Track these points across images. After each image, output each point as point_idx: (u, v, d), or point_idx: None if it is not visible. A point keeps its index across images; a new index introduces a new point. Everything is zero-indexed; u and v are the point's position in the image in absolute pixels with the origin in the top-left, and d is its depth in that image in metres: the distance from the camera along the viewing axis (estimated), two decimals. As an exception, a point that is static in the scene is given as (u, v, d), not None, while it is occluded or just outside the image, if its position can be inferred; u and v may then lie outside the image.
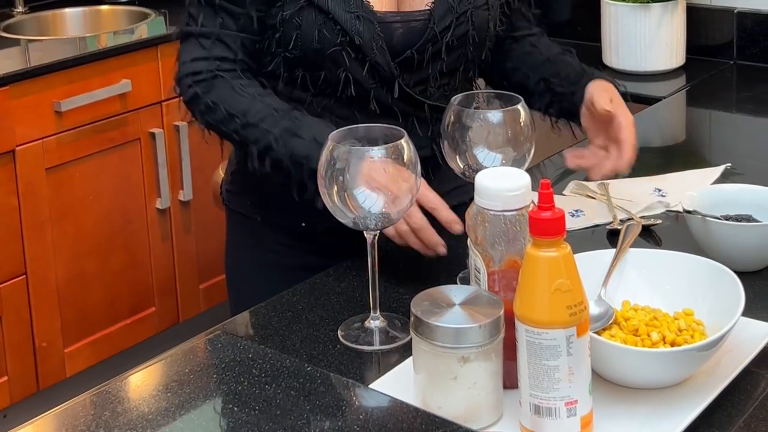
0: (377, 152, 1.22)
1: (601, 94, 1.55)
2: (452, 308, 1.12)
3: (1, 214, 2.58)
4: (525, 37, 1.68)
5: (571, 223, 1.57)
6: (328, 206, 1.25)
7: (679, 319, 1.24)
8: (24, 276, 2.66)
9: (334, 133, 1.25)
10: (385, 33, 1.48)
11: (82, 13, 3.24)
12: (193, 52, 1.50)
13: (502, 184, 1.15)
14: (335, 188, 1.23)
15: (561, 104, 1.61)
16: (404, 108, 1.53)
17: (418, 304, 1.13)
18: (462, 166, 1.35)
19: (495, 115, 1.33)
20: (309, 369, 1.11)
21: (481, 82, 1.72)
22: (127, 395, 1.08)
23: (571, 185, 1.71)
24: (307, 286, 1.45)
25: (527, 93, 1.57)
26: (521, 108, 1.33)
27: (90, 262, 2.80)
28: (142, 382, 1.12)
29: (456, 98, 1.33)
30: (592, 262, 1.28)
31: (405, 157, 1.23)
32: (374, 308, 1.32)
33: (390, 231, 1.40)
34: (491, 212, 1.15)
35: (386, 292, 1.42)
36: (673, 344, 1.20)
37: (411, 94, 1.52)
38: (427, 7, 1.51)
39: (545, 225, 1.06)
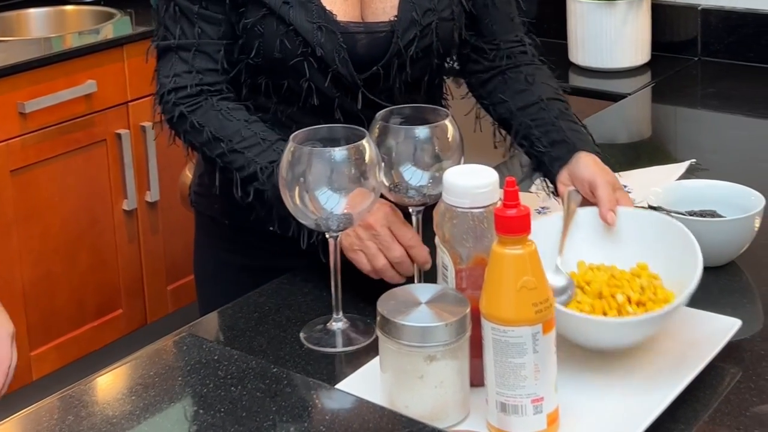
0: (339, 153, 1.22)
1: (605, 184, 1.36)
2: (418, 307, 1.12)
3: None
4: (523, 69, 1.58)
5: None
6: (289, 208, 1.24)
7: (638, 276, 1.26)
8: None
9: (296, 134, 1.25)
10: (347, 44, 1.46)
11: (46, 13, 3.21)
12: (174, 67, 1.46)
13: (469, 181, 1.15)
14: (297, 189, 1.23)
15: (538, 160, 1.50)
16: (370, 115, 1.49)
17: (384, 303, 1.13)
18: (387, 183, 1.30)
19: (422, 131, 1.29)
20: (275, 370, 1.10)
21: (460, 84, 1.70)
22: (92, 399, 1.07)
23: (538, 182, 1.70)
24: (274, 287, 1.45)
25: (509, 128, 1.55)
26: (449, 123, 1.29)
27: (56, 263, 2.77)
28: (106, 386, 1.11)
29: (380, 114, 1.29)
30: (539, 229, 1.24)
31: (367, 157, 1.23)
32: (336, 310, 1.32)
33: (365, 267, 1.35)
34: (459, 209, 1.15)
35: (352, 292, 1.41)
36: (639, 304, 1.23)
37: (376, 101, 1.49)
38: (391, 20, 1.48)
39: (511, 222, 1.06)
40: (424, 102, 1.52)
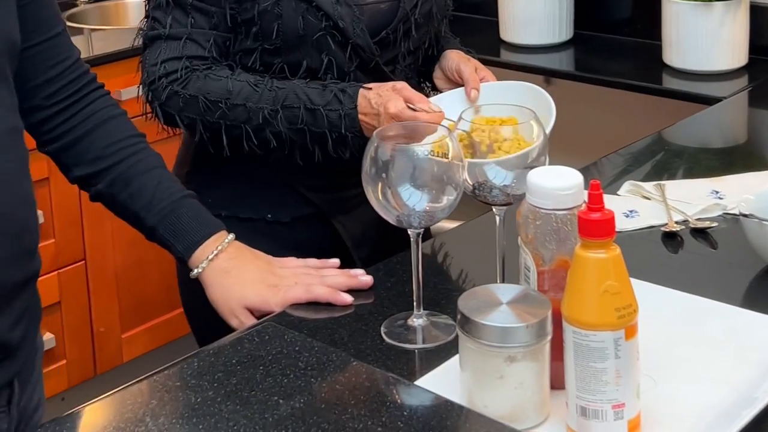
0: (422, 150, 1.23)
1: (466, 63, 1.61)
2: (499, 307, 1.12)
3: (63, 201, 2.62)
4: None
5: (625, 224, 1.55)
6: (372, 203, 1.25)
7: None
8: (83, 262, 2.70)
9: (380, 129, 1.26)
10: (362, 15, 1.54)
11: (143, 3, 3.27)
12: (162, 54, 1.51)
13: (553, 182, 1.14)
14: (380, 185, 1.24)
15: (425, 75, 1.69)
16: None
17: (465, 302, 1.13)
18: (471, 182, 1.29)
19: (507, 130, 1.30)
20: (354, 363, 1.11)
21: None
22: (175, 384, 1.10)
23: (626, 185, 1.69)
24: (353, 282, 1.45)
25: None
26: (534, 123, 1.28)
27: (147, 249, 2.80)
28: (189, 372, 1.13)
29: (377, 132, 1.27)
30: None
31: (450, 154, 1.23)
32: (418, 306, 1.32)
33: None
34: (542, 210, 1.15)
35: (435, 288, 1.42)
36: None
37: (386, 73, 1.57)
38: None
39: (594, 226, 1.05)
40: (418, 75, 1.65)
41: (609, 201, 1.59)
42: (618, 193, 1.67)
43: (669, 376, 1.19)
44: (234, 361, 1.12)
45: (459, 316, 1.11)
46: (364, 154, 1.25)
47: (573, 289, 1.07)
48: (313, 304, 1.38)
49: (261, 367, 1.10)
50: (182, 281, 1.71)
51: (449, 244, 1.56)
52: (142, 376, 1.13)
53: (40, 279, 2.63)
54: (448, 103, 1.55)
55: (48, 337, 2.66)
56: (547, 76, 2.41)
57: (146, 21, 1.56)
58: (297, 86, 1.48)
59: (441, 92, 1.67)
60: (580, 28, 2.71)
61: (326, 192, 1.60)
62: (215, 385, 1.08)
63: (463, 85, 1.61)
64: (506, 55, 2.52)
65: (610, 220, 1.06)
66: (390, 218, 1.26)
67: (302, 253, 1.61)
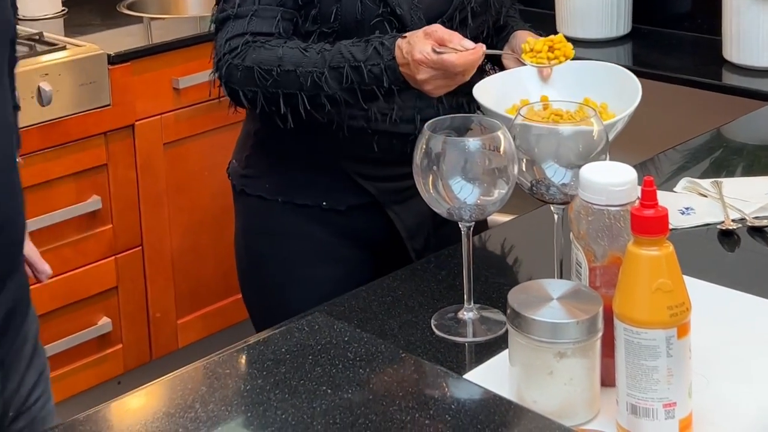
0: (473, 143, 1.22)
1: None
2: (550, 302, 1.11)
3: (120, 187, 2.65)
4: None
5: (680, 221, 1.54)
6: (422, 195, 1.25)
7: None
8: (140, 247, 2.73)
9: (431, 122, 1.26)
10: (419, 3, 1.53)
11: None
12: (229, 32, 1.52)
13: (606, 178, 1.13)
14: (431, 177, 1.23)
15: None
16: None
17: (515, 296, 1.12)
18: (529, 180, 1.29)
19: (566, 129, 1.28)
20: (403, 355, 1.11)
21: None
22: (224, 372, 1.10)
23: (683, 182, 1.67)
24: (408, 273, 1.46)
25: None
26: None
27: (204, 236, 2.85)
28: (239, 360, 1.14)
29: (428, 124, 1.27)
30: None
31: (501, 149, 1.23)
32: (468, 299, 1.32)
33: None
34: (595, 206, 1.14)
35: (486, 282, 1.41)
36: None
37: None
38: None
39: (648, 223, 1.04)
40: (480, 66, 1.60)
41: (665, 198, 1.59)
42: (674, 189, 1.65)
43: (722, 375, 1.18)
44: (283, 350, 1.12)
45: (509, 311, 1.11)
46: (416, 146, 1.25)
47: (625, 287, 1.06)
48: (363, 296, 1.38)
49: (310, 357, 1.11)
50: (241, 267, 1.72)
51: (503, 238, 1.56)
52: (193, 363, 1.14)
53: (98, 263, 2.67)
54: (519, 80, 1.55)
55: (104, 322, 2.69)
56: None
57: (217, 5, 1.57)
58: (342, 45, 1.47)
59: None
60: (638, 23, 2.68)
61: (382, 181, 1.60)
62: (264, 373, 1.09)
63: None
64: None
65: (663, 217, 1.05)
66: (441, 211, 1.26)
67: (357, 242, 1.62)
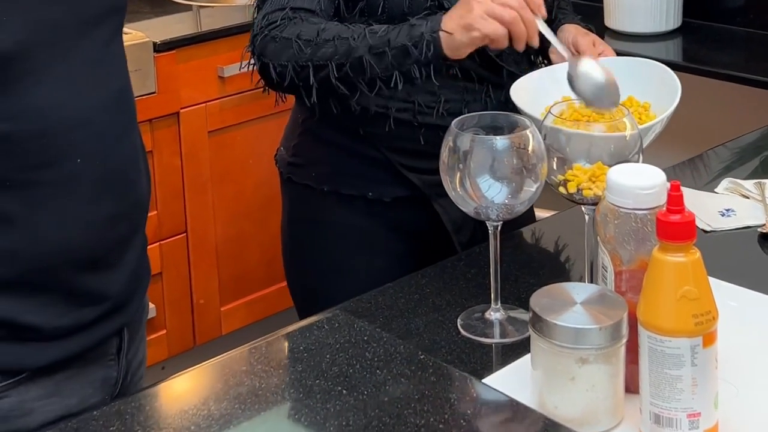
0: (501, 141, 1.20)
1: (584, 36, 1.58)
2: (573, 307, 1.08)
3: (165, 174, 2.66)
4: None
5: (720, 223, 1.50)
6: (449, 194, 1.23)
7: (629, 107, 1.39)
8: (185, 234, 2.74)
9: (458, 120, 1.24)
10: None
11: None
12: (269, 7, 1.50)
13: (634, 180, 1.10)
14: (458, 175, 1.21)
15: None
16: (482, 73, 1.54)
17: (538, 300, 1.10)
18: (560, 179, 1.26)
19: (597, 128, 1.25)
20: (422, 357, 1.09)
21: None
22: (241, 369, 1.09)
23: (725, 182, 1.62)
24: (437, 270, 1.43)
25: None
26: (627, 121, 1.24)
27: (248, 223, 2.85)
28: (257, 357, 1.13)
29: (456, 122, 1.25)
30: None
31: (530, 147, 1.20)
32: (495, 300, 1.29)
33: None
34: (621, 210, 1.11)
35: (516, 282, 1.39)
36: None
37: (492, 57, 1.53)
38: None
39: (673, 228, 1.01)
40: (529, 58, 1.58)
41: (705, 198, 1.55)
42: (716, 190, 1.61)
43: (753, 384, 1.14)
44: (302, 347, 1.11)
45: (531, 314, 1.09)
46: (443, 144, 1.23)
47: (649, 293, 1.03)
48: (390, 292, 1.37)
49: (327, 356, 1.10)
50: (286, 254, 1.72)
51: (536, 236, 1.53)
52: (210, 360, 1.13)
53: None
54: (563, 75, 1.51)
55: (151, 306, 2.71)
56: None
57: None
58: (387, 26, 1.45)
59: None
60: (689, 17, 2.61)
61: (428, 174, 1.57)
62: (280, 371, 1.08)
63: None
64: (610, 44, 2.42)
65: (690, 223, 1.01)
66: (468, 210, 1.24)
67: (401, 233, 1.60)
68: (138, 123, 1.35)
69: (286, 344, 1.12)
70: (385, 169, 1.59)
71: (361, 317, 1.31)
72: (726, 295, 1.27)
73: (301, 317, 1.69)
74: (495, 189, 1.22)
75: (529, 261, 1.44)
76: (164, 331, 2.76)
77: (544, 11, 1.42)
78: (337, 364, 1.08)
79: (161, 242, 2.70)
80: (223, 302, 2.86)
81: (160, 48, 2.57)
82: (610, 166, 1.26)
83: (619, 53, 2.37)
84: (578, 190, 1.26)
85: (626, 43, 2.43)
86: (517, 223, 1.55)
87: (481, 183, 1.22)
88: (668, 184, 1.03)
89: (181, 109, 2.64)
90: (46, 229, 1.17)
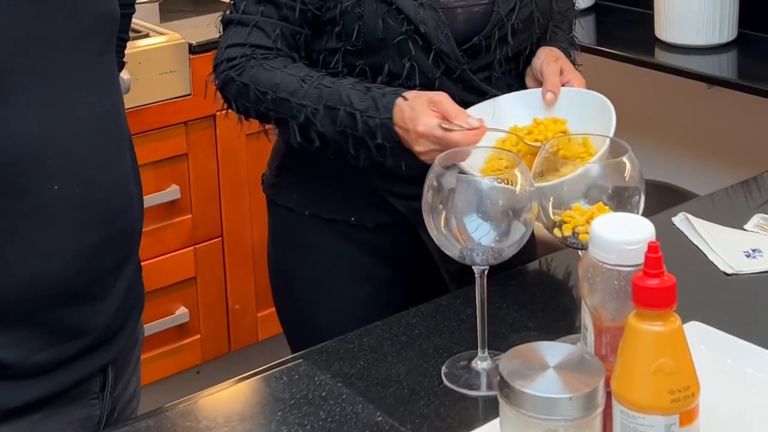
0: (486, 182, 1.11)
1: (550, 63, 1.46)
2: (545, 371, 0.99)
3: (200, 177, 2.61)
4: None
5: (742, 265, 1.38)
6: (432, 235, 1.15)
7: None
8: (220, 238, 2.69)
9: (442, 156, 1.15)
10: (449, 20, 1.42)
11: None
12: (231, 38, 1.46)
13: (618, 234, 1.00)
14: (443, 215, 1.13)
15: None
16: (467, 97, 1.45)
17: (507, 362, 1.00)
18: (551, 220, 1.18)
19: (594, 168, 1.16)
20: (379, 419, 1.01)
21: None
22: (185, 424, 1.02)
23: (756, 218, 1.50)
24: (431, 309, 1.35)
25: None
26: (627, 160, 1.14)
27: (287, 229, 2.79)
28: (202, 411, 1.05)
29: (440, 157, 1.17)
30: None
31: (518, 188, 1.11)
32: (482, 348, 1.21)
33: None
34: (605, 265, 1.01)
35: (512, 325, 1.30)
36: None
37: (475, 81, 1.45)
38: None
39: (651, 294, 0.91)
40: (521, 82, 1.49)
41: (731, 235, 1.44)
42: (745, 227, 1.49)
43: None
44: (254, 402, 1.04)
45: (499, 378, 0.99)
46: (425, 181, 1.14)
47: (623, 364, 0.93)
48: (377, 332, 1.29)
49: (279, 413, 1.02)
50: (271, 278, 1.65)
51: (542, 274, 1.43)
52: (143, 416, 1.06)
53: (176, 253, 2.65)
54: (518, 105, 1.41)
55: (182, 312, 2.67)
56: (706, 81, 2.19)
57: (230, 4, 1.51)
58: (342, 86, 1.39)
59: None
60: (744, 28, 2.43)
61: (412, 200, 1.48)
62: (225, 429, 1.00)
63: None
64: (661, 56, 2.29)
65: (669, 289, 0.91)
66: (452, 252, 1.15)
67: (386, 260, 1.53)
68: (131, 143, 1.28)
69: (239, 396, 1.04)
70: (368, 194, 1.51)
71: (341, 359, 1.24)
72: (743, 356, 1.16)
73: (290, 343, 1.62)
74: (483, 230, 1.13)
75: (529, 301, 1.35)
76: (198, 336, 2.72)
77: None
78: (287, 423, 1.01)
79: (196, 246, 2.65)
80: (259, 308, 2.80)
81: (195, 50, 2.52)
82: (612, 208, 1.17)
83: (668, 68, 2.26)
84: (574, 233, 1.16)
85: (676, 56, 2.29)
86: (521, 259, 1.46)
87: (468, 223, 1.13)
88: (652, 242, 0.93)
89: (217, 111, 2.58)
90: (19, 260, 1.11)
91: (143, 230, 2.51)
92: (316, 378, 1.06)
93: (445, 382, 1.20)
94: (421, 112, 1.32)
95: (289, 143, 1.55)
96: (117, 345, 1.23)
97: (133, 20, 2.59)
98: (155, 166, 2.53)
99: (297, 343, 1.60)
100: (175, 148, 2.54)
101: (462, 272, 1.48)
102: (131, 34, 2.50)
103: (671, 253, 1.45)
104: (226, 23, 1.48)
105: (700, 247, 1.44)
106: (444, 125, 1.30)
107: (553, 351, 1.01)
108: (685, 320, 1.23)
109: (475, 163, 1.28)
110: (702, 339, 1.19)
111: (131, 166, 1.26)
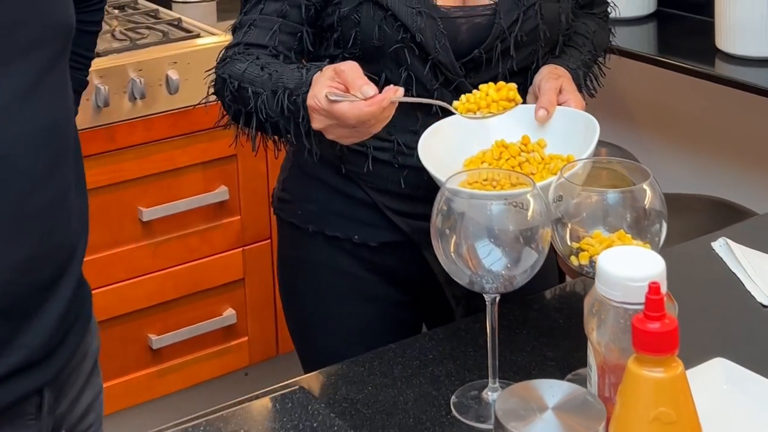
0: (497, 206, 1.06)
1: (550, 80, 1.38)
2: (543, 413, 0.93)
3: (249, 179, 2.59)
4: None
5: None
6: (441, 262, 1.10)
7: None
8: (269, 240, 2.67)
9: (451, 177, 1.11)
10: (448, 30, 1.37)
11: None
12: (232, 41, 1.42)
13: (625, 269, 0.94)
14: (453, 239, 1.08)
15: None
16: None
17: (504, 401, 0.95)
18: (568, 246, 1.12)
19: (612, 196, 1.09)
20: (369, 455, 0.97)
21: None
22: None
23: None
24: (449, 332, 1.31)
25: None
26: (647, 187, 1.08)
27: (337, 232, 2.76)
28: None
29: (449, 179, 1.12)
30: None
31: (530, 213, 1.06)
32: (493, 378, 1.16)
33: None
34: (611, 302, 0.95)
35: (530, 354, 1.25)
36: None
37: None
38: (492, 2, 1.39)
39: (651, 339, 0.85)
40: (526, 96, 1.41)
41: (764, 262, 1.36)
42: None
43: None
44: (242, 430, 1.00)
45: (494, 418, 0.94)
46: (434, 205, 1.09)
47: (620, 410, 0.88)
48: (389, 355, 1.25)
49: (266, 444, 0.99)
50: (280, 293, 1.62)
51: (563, 300, 1.37)
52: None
53: (224, 254, 2.63)
54: (508, 120, 1.34)
55: (229, 313, 2.65)
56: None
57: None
58: (287, 68, 1.32)
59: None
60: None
61: (415, 219, 1.43)
62: (207, 459, 0.97)
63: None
64: (721, 68, 2.18)
65: (671, 333, 0.85)
66: (461, 280, 1.11)
67: (391, 279, 1.48)
68: (79, 155, 1.23)
69: (227, 425, 1.01)
70: (372, 211, 1.46)
71: (350, 383, 1.20)
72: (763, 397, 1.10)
73: (301, 359, 1.59)
74: (494, 256, 1.08)
75: (550, 329, 1.29)
76: (246, 338, 2.70)
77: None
78: (272, 456, 0.97)
79: (244, 248, 2.63)
80: (280, 323, 2.77)
81: (247, 50, 2.50)
82: (633, 236, 1.11)
83: (727, 81, 2.16)
84: (591, 262, 1.11)
85: (737, 67, 2.19)
86: (545, 282, 1.40)
87: (480, 248, 1.08)
88: (653, 282, 0.87)
89: (268, 114, 2.56)
90: None
91: (192, 230, 2.51)
92: (309, 407, 1.02)
93: (454, 412, 1.15)
94: (316, 82, 1.24)
95: (295, 157, 1.52)
96: (55, 364, 1.17)
97: (185, 20, 2.59)
98: (204, 167, 2.52)
99: (306, 360, 1.56)
100: (224, 149, 2.52)
101: (469, 296, 1.43)
102: (184, 34, 2.50)
103: (705, 281, 1.39)
104: (233, 29, 1.45)
105: (738, 275, 1.37)
106: (332, 96, 1.20)
107: (554, 390, 0.96)
108: (712, 355, 1.17)
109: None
110: (726, 377, 1.13)
111: (74, 179, 1.21)
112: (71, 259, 1.18)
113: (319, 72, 1.26)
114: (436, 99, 1.36)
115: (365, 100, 1.19)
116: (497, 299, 1.13)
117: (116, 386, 2.52)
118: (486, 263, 1.09)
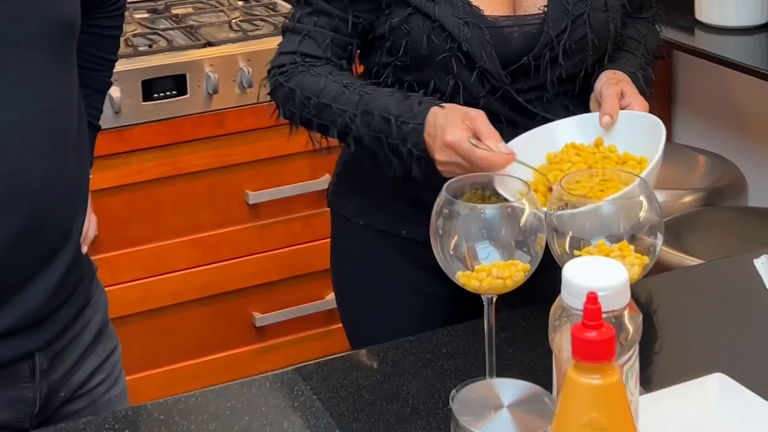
0: (490, 210, 1.10)
1: (610, 85, 1.41)
2: (498, 411, 0.97)
3: (354, 169, 2.66)
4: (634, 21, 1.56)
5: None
6: (440, 264, 1.15)
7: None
8: (372, 229, 2.74)
9: (450, 183, 1.14)
10: (496, 39, 1.41)
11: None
12: (285, 46, 1.48)
13: (587, 278, 0.96)
14: (452, 240, 1.12)
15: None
16: (515, 118, 1.43)
17: (461, 399, 0.99)
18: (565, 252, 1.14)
19: (607, 204, 1.11)
20: (337, 434, 1.02)
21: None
22: (159, 417, 1.07)
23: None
24: (467, 329, 1.34)
25: None
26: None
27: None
28: (181, 407, 1.09)
29: (448, 186, 1.15)
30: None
31: (522, 220, 1.09)
32: (490, 376, 1.19)
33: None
34: (573, 310, 0.97)
35: (537, 355, 1.27)
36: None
37: (520, 102, 1.42)
38: (541, 11, 1.42)
39: (588, 347, 0.88)
40: (577, 105, 1.44)
41: None
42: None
43: None
44: (228, 404, 1.07)
45: (451, 417, 0.98)
46: (434, 207, 1.14)
47: (559, 413, 0.90)
48: (405, 346, 1.29)
49: (246, 418, 1.05)
50: (334, 284, 1.68)
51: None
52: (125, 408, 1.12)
53: (326, 240, 2.72)
54: (574, 129, 1.37)
55: (331, 297, 2.71)
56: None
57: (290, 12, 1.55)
58: (381, 93, 1.40)
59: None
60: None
61: None
62: (192, 427, 1.04)
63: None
64: (700, 39, 2.05)
65: (607, 341, 0.87)
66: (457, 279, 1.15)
67: (437, 276, 1.51)
68: (85, 141, 1.29)
69: (213, 400, 1.07)
70: (420, 209, 1.50)
71: (360, 369, 1.26)
72: (756, 414, 1.09)
73: (352, 347, 1.64)
74: (492, 258, 1.12)
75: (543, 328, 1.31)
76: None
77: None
78: (251, 429, 1.03)
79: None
80: None
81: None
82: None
83: (707, 55, 2.06)
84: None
85: (716, 36, 2.07)
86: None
87: (479, 250, 1.12)
88: (590, 292, 0.89)
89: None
90: None
91: (296, 215, 2.59)
92: (295, 388, 1.09)
93: (451, 404, 1.19)
94: (452, 123, 1.31)
95: (347, 151, 1.57)
96: (45, 333, 1.24)
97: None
98: (309, 156, 2.59)
99: (354, 346, 1.62)
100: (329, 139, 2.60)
101: (513, 296, 1.45)
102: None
103: (740, 298, 1.38)
104: (283, 30, 1.52)
105: (771, 292, 1.36)
106: (473, 140, 1.29)
107: (514, 389, 0.99)
108: (722, 370, 1.17)
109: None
110: (719, 392, 1.13)
111: (76, 163, 1.27)
112: (65, 240, 1.25)
113: (438, 108, 1.34)
114: (481, 107, 1.40)
115: (501, 154, 1.28)
116: (494, 299, 1.16)
117: (219, 360, 2.64)
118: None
